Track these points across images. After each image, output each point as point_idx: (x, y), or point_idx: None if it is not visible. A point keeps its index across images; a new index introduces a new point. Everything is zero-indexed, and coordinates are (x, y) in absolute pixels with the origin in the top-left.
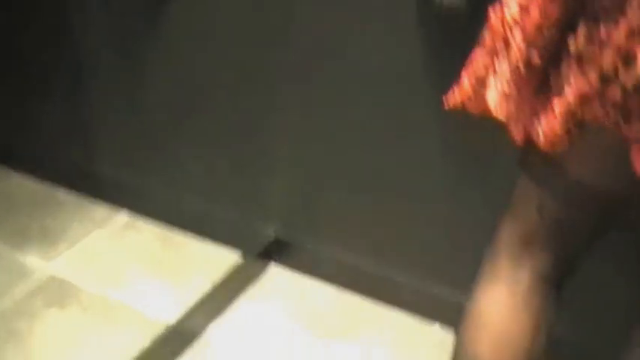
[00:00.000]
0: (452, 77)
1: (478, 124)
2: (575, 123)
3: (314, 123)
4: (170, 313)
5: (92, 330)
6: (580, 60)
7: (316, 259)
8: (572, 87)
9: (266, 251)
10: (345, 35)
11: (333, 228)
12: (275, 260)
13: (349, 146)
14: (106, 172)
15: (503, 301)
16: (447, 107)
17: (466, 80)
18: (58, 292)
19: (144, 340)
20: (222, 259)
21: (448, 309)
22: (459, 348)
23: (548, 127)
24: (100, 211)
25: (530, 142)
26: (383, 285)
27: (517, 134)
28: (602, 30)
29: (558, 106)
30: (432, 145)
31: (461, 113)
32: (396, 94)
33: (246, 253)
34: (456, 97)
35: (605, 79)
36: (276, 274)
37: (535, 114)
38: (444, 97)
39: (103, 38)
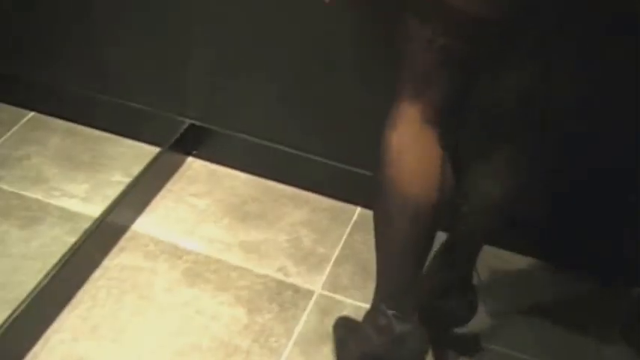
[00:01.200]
0: None
1: None
2: None
3: (227, 12)
4: (93, 208)
5: (16, 233)
6: None
7: (233, 147)
8: None
9: (182, 140)
10: None
11: (249, 114)
12: (192, 150)
13: (260, 31)
14: (12, 73)
15: (412, 138)
16: None
17: None
18: None
19: (70, 236)
20: (140, 152)
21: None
22: (381, 188)
23: None
24: (7, 112)
25: None
26: (302, 169)
27: None
28: None
29: None
30: (337, 28)
31: None
32: None
33: (163, 145)
34: None
35: None
36: (195, 164)
37: None
38: None
39: None
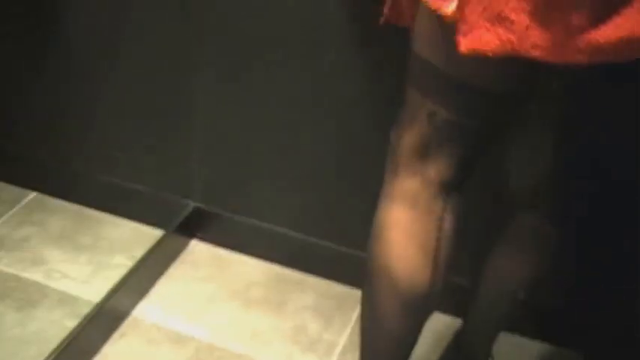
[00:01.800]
0: None
1: None
2: None
3: (230, 94)
4: (94, 293)
5: (12, 315)
6: None
7: (237, 231)
8: None
9: (186, 224)
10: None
11: (254, 198)
12: (196, 233)
13: (266, 118)
14: (14, 152)
15: (406, 216)
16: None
17: None
18: None
19: (69, 320)
20: (142, 235)
21: None
22: (372, 266)
23: None
24: (8, 191)
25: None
26: (308, 253)
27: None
28: None
29: None
30: (349, 111)
31: None
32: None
33: (166, 228)
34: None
35: None
36: (198, 248)
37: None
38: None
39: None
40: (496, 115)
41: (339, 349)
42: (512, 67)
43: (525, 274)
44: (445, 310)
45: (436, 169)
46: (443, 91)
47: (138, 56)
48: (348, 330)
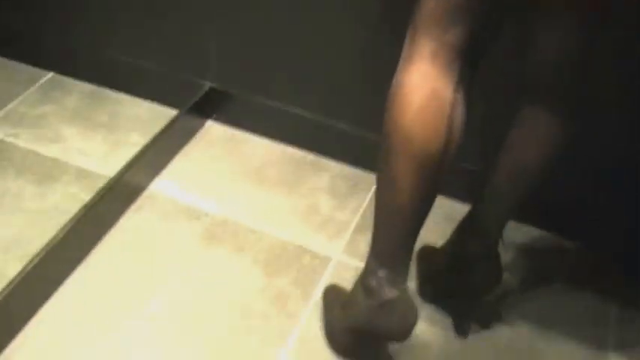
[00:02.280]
0: None
1: None
2: None
3: None
4: (110, 169)
5: (31, 189)
6: None
7: (253, 112)
8: None
9: (202, 104)
10: None
11: (271, 79)
12: (212, 114)
13: None
14: (32, 33)
15: (423, 76)
16: None
17: None
18: None
19: (86, 194)
20: (159, 115)
21: None
22: (387, 127)
23: None
24: (25, 72)
25: None
26: (323, 135)
27: None
28: None
29: None
30: None
31: None
32: None
33: (182, 108)
34: None
35: None
36: (214, 128)
37: None
38: None
39: None
40: None
41: (351, 229)
42: None
43: (540, 160)
44: (455, 196)
45: (453, 34)
46: None
47: None
48: (361, 211)
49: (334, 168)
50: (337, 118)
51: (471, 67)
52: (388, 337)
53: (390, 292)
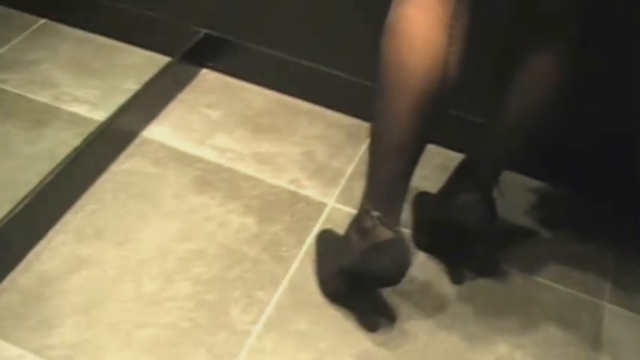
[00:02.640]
0: None
1: None
2: None
3: None
4: (103, 115)
5: (22, 134)
6: None
7: (247, 59)
8: None
9: (196, 51)
10: None
11: (266, 26)
12: (206, 62)
13: None
14: None
15: (419, 9)
16: None
17: None
18: None
19: (78, 139)
20: (153, 62)
21: None
22: (383, 62)
23: None
24: (19, 18)
25: None
26: (319, 84)
27: None
28: None
29: None
30: None
31: None
32: None
33: (176, 55)
34: None
35: None
36: (208, 76)
37: None
38: None
39: None
40: None
41: (346, 176)
42: None
43: (543, 99)
44: (451, 145)
45: None
46: None
47: None
48: (356, 160)
49: (330, 116)
50: (333, 66)
51: (467, 5)
52: (381, 280)
53: (384, 233)
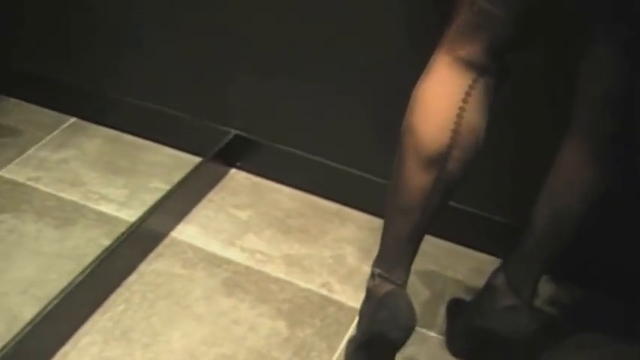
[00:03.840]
0: None
1: None
2: None
3: (274, 12)
4: (131, 214)
5: (51, 232)
6: None
7: (277, 160)
8: None
9: (226, 151)
10: None
11: (295, 126)
12: (236, 162)
13: (310, 40)
14: (56, 78)
15: (436, 82)
16: None
17: None
18: (11, 197)
19: (106, 239)
20: (181, 162)
21: None
22: (402, 128)
23: None
24: (49, 117)
25: None
26: (349, 185)
27: None
28: None
29: None
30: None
31: None
32: None
33: (205, 155)
34: None
35: None
36: (237, 176)
37: None
38: None
39: None
40: (524, 12)
41: None
42: None
43: (579, 207)
44: (485, 249)
45: (468, 50)
46: None
47: None
48: None
49: (360, 218)
50: (362, 167)
51: (488, 78)
52: (387, 337)
53: (384, 288)
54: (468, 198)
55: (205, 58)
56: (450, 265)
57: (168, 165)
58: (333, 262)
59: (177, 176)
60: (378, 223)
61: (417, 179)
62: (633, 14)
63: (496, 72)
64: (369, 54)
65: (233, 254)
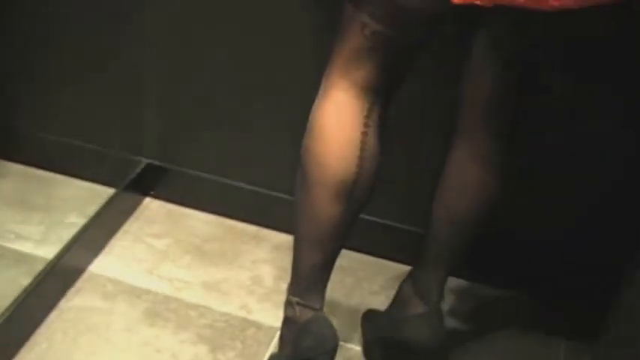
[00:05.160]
0: None
1: None
2: None
3: (178, 41)
4: (49, 251)
5: None
6: None
7: (191, 186)
8: None
9: (139, 180)
10: None
11: (206, 152)
12: (149, 191)
13: (214, 70)
14: None
15: (335, 110)
16: None
17: None
18: None
19: (25, 278)
20: (95, 194)
21: None
22: (304, 158)
23: None
24: None
25: None
26: (262, 206)
27: None
28: None
29: None
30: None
31: None
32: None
33: (119, 186)
34: None
35: None
36: (152, 205)
37: None
38: None
39: None
40: (417, 30)
41: None
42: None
43: (475, 205)
44: (399, 259)
45: (363, 73)
46: (375, 7)
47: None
48: None
49: (275, 238)
50: (274, 188)
51: (382, 100)
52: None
53: (305, 315)
54: (381, 210)
55: (112, 89)
56: (366, 277)
57: (82, 198)
58: (250, 283)
59: (93, 209)
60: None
61: (326, 210)
62: (510, 24)
63: (389, 93)
64: (278, 77)
65: (152, 284)
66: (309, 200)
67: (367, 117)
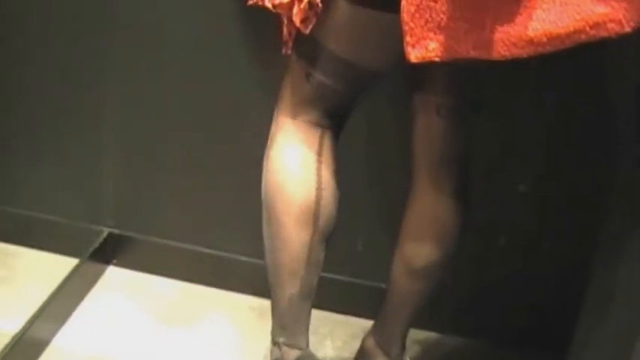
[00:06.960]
0: None
1: None
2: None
3: (135, 109)
4: (11, 324)
5: None
6: None
7: (152, 253)
8: None
9: (101, 250)
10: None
11: (167, 219)
12: (111, 259)
13: (173, 132)
14: None
15: (287, 146)
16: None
17: None
18: None
19: None
20: (57, 265)
21: None
22: (264, 193)
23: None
24: None
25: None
26: (224, 269)
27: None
28: None
29: None
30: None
31: None
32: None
33: (81, 256)
34: None
35: None
36: (115, 273)
37: None
38: None
39: None
40: (361, 83)
41: (260, 356)
42: (389, 55)
43: (433, 258)
44: (362, 315)
45: (312, 115)
46: (322, 61)
47: (41, 70)
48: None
49: (238, 300)
50: (235, 251)
51: (331, 132)
52: None
53: (293, 354)
54: (341, 266)
55: (71, 160)
56: (328, 333)
57: (45, 270)
58: (213, 344)
59: (56, 280)
60: (255, 301)
61: (295, 237)
62: (450, 84)
63: (336, 127)
64: (237, 145)
65: (115, 353)
66: (279, 231)
67: (320, 146)
